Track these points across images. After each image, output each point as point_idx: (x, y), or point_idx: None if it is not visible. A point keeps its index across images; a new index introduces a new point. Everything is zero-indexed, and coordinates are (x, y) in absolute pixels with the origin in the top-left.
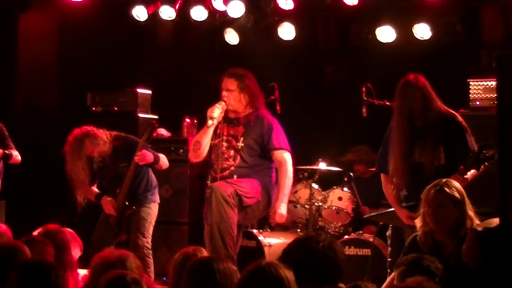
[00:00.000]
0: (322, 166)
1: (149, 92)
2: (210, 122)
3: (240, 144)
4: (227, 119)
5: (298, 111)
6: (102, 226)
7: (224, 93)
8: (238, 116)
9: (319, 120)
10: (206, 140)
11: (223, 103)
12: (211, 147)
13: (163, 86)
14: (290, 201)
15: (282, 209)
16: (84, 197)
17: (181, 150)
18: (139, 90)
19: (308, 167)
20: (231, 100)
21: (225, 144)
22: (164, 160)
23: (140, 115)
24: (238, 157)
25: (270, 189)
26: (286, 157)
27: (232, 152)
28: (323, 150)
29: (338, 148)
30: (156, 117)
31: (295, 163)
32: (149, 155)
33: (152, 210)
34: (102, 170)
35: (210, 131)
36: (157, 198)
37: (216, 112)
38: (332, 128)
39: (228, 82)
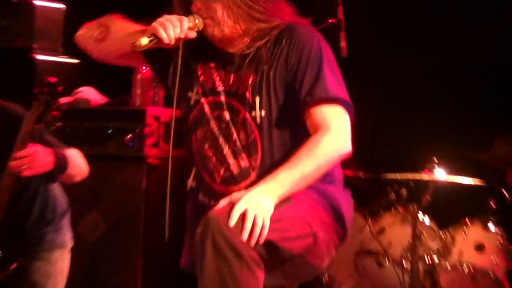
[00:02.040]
0: (440, 175)
1: (62, 6)
2: (147, 40)
3: (258, 112)
4: (216, 56)
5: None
6: None
7: (196, 3)
8: (237, 47)
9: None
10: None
11: (196, 19)
12: (195, 117)
13: None
14: (368, 252)
15: (252, 195)
16: None
17: (129, 137)
18: (39, 2)
19: (407, 177)
20: (214, 12)
21: (226, 115)
22: (77, 163)
23: (41, 56)
24: (259, 146)
25: (336, 202)
26: (335, 115)
27: (243, 136)
28: (435, 144)
29: (466, 138)
30: (75, 61)
31: (378, 168)
32: (43, 156)
33: (57, 265)
34: None
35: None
36: (66, 238)
37: (184, 24)
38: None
39: None
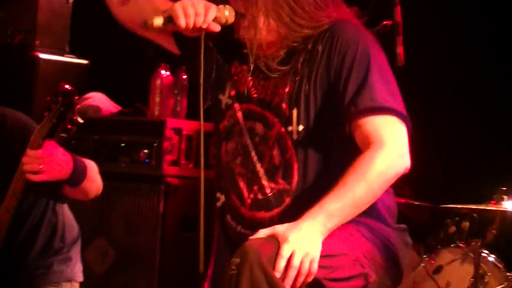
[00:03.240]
0: (510, 206)
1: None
2: (161, 21)
3: (295, 127)
4: (249, 57)
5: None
6: None
7: None
8: (273, 50)
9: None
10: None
11: (227, 10)
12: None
13: None
14: None
15: (299, 235)
16: None
17: (145, 152)
18: None
19: (470, 207)
20: (252, 11)
21: (259, 128)
22: (94, 176)
23: (44, 55)
24: (295, 166)
25: (390, 241)
26: (388, 126)
27: (278, 154)
28: (506, 173)
29: None
30: (84, 62)
31: (436, 197)
32: (61, 161)
33: None
34: None
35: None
36: (76, 269)
37: (211, 13)
38: None
39: None
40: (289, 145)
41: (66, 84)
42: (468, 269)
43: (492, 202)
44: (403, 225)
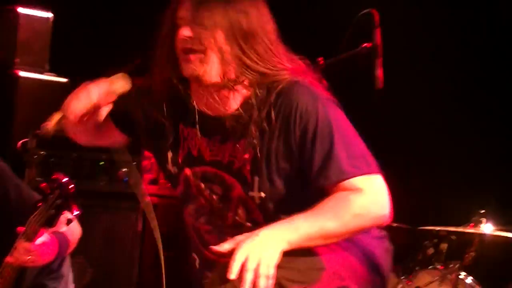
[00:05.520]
0: (487, 229)
1: (50, 15)
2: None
3: (256, 193)
4: (201, 117)
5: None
6: None
7: (184, 30)
8: (227, 107)
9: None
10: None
11: (119, 81)
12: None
13: None
14: None
15: (255, 240)
16: None
17: (124, 171)
18: (23, 10)
19: (449, 229)
20: (206, 46)
21: (218, 189)
22: (75, 236)
23: (24, 73)
24: (262, 223)
25: (369, 250)
26: (364, 182)
27: (243, 213)
28: (484, 196)
29: None
30: (63, 80)
31: (414, 218)
32: (49, 249)
33: None
34: None
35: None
36: (70, 286)
37: (92, 96)
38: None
39: (184, 8)
40: (254, 207)
41: (59, 174)
42: None
43: (471, 224)
44: (383, 232)
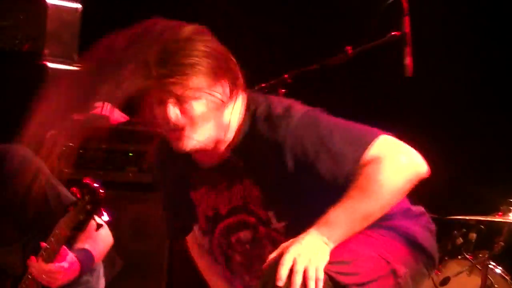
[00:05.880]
0: None
1: (79, 6)
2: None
3: (276, 225)
4: (202, 176)
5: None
6: None
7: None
8: (216, 156)
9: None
10: None
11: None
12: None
13: None
14: None
15: (300, 244)
16: None
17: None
18: (52, 1)
19: (478, 218)
20: (192, 118)
21: (243, 235)
22: (103, 247)
23: (52, 64)
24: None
25: (408, 231)
26: (380, 146)
27: (272, 250)
28: (509, 182)
29: None
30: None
31: (443, 208)
32: (70, 272)
33: None
34: None
35: None
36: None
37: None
38: None
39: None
40: (280, 238)
41: (90, 179)
42: (475, 281)
43: (500, 213)
44: (418, 209)
